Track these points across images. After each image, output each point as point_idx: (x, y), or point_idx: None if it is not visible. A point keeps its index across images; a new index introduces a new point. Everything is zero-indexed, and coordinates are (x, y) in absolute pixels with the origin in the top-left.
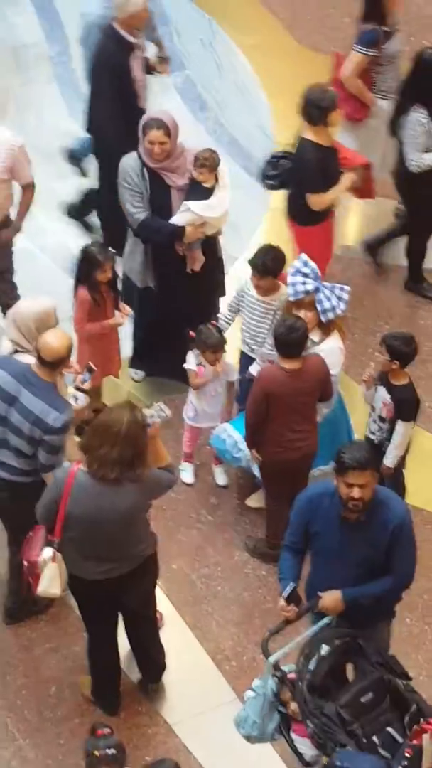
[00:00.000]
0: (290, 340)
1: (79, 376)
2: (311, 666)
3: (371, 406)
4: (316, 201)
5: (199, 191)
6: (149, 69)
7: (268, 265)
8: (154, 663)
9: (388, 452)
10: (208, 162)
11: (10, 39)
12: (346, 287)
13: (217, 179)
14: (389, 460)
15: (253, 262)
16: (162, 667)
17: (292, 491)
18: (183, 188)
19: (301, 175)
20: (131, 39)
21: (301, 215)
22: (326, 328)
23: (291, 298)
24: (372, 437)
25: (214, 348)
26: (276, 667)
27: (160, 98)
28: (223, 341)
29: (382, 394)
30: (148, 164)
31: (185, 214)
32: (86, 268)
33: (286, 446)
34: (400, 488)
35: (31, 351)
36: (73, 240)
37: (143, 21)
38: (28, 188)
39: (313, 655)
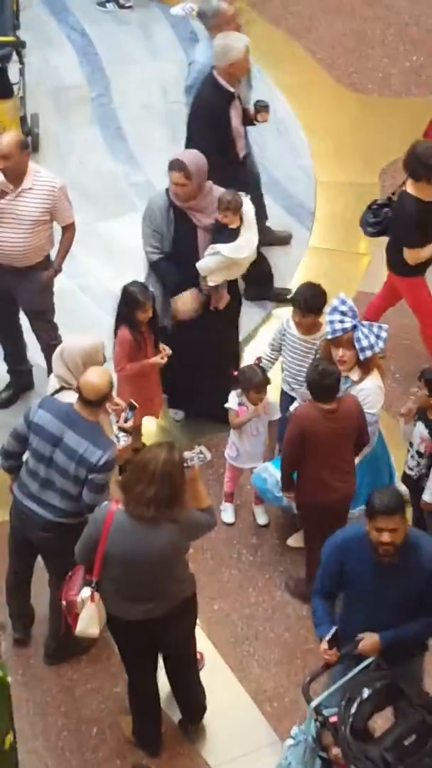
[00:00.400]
0: (323, 386)
1: (122, 414)
2: (353, 710)
3: (409, 441)
4: (412, 256)
5: (225, 233)
6: (250, 119)
7: (310, 302)
8: (194, 704)
9: (427, 488)
10: (232, 204)
11: (51, 81)
12: (384, 326)
13: (242, 220)
14: (428, 496)
15: (295, 300)
16: (203, 708)
17: (330, 532)
18: (209, 228)
19: (400, 228)
20: (230, 88)
21: (399, 265)
22: (365, 367)
23: (329, 336)
24: (410, 473)
25: (258, 388)
26: (318, 711)
27: None
28: (267, 381)
29: (420, 430)
30: (175, 203)
31: (215, 257)
32: (127, 308)
33: (323, 487)
34: None
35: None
36: (114, 280)
37: (244, 70)
38: (69, 229)
39: (355, 699)
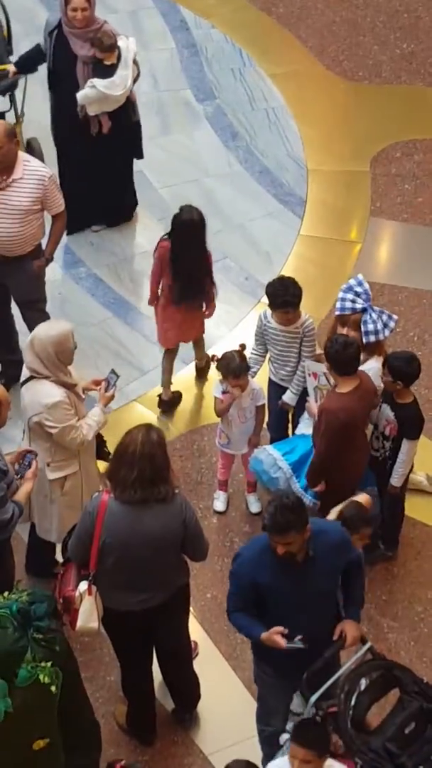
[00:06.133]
0: (347, 357)
1: (103, 383)
2: (353, 702)
3: (374, 424)
4: None
5: (101, 68)
6: None
7: (284, 297)
8: (188, 694)
9: (394, 471)
10: (105, 44)
11: (41, 70)
12: (395, 316)
13: (119, 58)
14: (395, 480)
15: (269, 297)
16: (196, 697)
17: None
18: (88, 60)
19: None
20: None
21: None
22: (369, 349)
23: (337, 312)
24: (375, 454)
25: (236, 374)
26: (318, 706)
27: (191, 127)
28: (245, 367)
29: (386, 412)
30: (64, 29)
31: (91, 90)
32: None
33: (352, 465)
34: (400, 504)
35: (49, 377)
36: (106, 270)
37: None
38: (59, 218)
39: (354, 691)
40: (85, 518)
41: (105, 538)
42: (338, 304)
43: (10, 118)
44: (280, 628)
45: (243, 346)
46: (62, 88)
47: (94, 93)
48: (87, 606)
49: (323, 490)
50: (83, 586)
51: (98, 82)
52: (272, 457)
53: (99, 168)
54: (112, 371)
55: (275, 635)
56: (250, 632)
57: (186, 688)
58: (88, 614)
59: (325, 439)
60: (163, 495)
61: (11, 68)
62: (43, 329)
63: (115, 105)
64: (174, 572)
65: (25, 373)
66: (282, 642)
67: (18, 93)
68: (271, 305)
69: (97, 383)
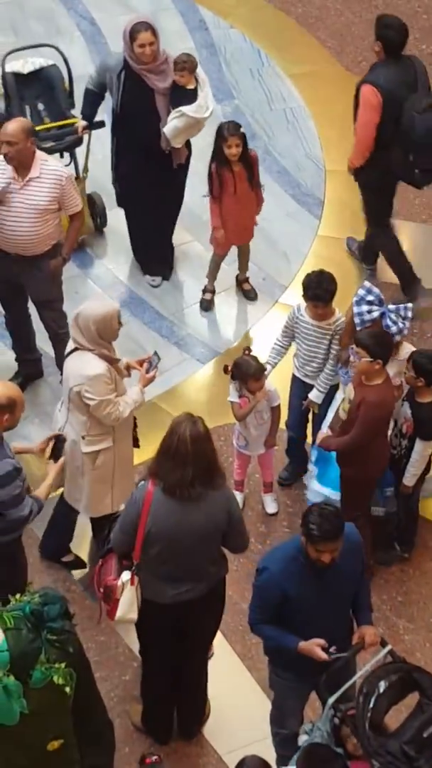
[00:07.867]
0: (390, 343)
1: (145, 364)
2: (371, 704)
3: (394, 419)
4: None
5: (183, 94)
6: None
7: (320, 291)
8: (196, 708)
9: (407, 471)
10: (187, 65)
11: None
12: (410, 305)
13: (197, 80)
14: (407, 479)
15: (305, 290)
16: (203, 707)
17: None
18: (166, 91)
19: None
20: None
21: None
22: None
23: (358, 328)
24: (393, 452)
25: (256, 376)
26: (336, 708)
27: (209, 128)
28: (263, 367)
29: (405, 410)
30: (133, 67)
31: (181, 118)
32: (215, 142)
33: (381, 455)
34: (414, 505)
35: (93, 350)
36: (123, 269)
37: None
38: (76, 218)
39: (372, 693)
40: (130, 509)
41: (150, 527)
42: (357, 320)
43: None
44: (321, 641)
45: (249, 350)
46: (133, 127)
47: (184, 121)
48: (128, 596)
49: (349, 481)
50: (126, 575)
51: (186, 109)
52: (323, 496)
53: (167, 206)
54: (155, 353)
55: (315, 647)
56: (282, 642)
57: (197, 700)
58: (128, 605)
59: (362, 427)
60: (219, 483)
61: (81, 123)
62: (89, 306)
63: (200, 129)
64: (215, 564)
65: (70, 345)
66: (323, 654)
67: (79, 149)
68: (304, 296)
69: (141, 363)
